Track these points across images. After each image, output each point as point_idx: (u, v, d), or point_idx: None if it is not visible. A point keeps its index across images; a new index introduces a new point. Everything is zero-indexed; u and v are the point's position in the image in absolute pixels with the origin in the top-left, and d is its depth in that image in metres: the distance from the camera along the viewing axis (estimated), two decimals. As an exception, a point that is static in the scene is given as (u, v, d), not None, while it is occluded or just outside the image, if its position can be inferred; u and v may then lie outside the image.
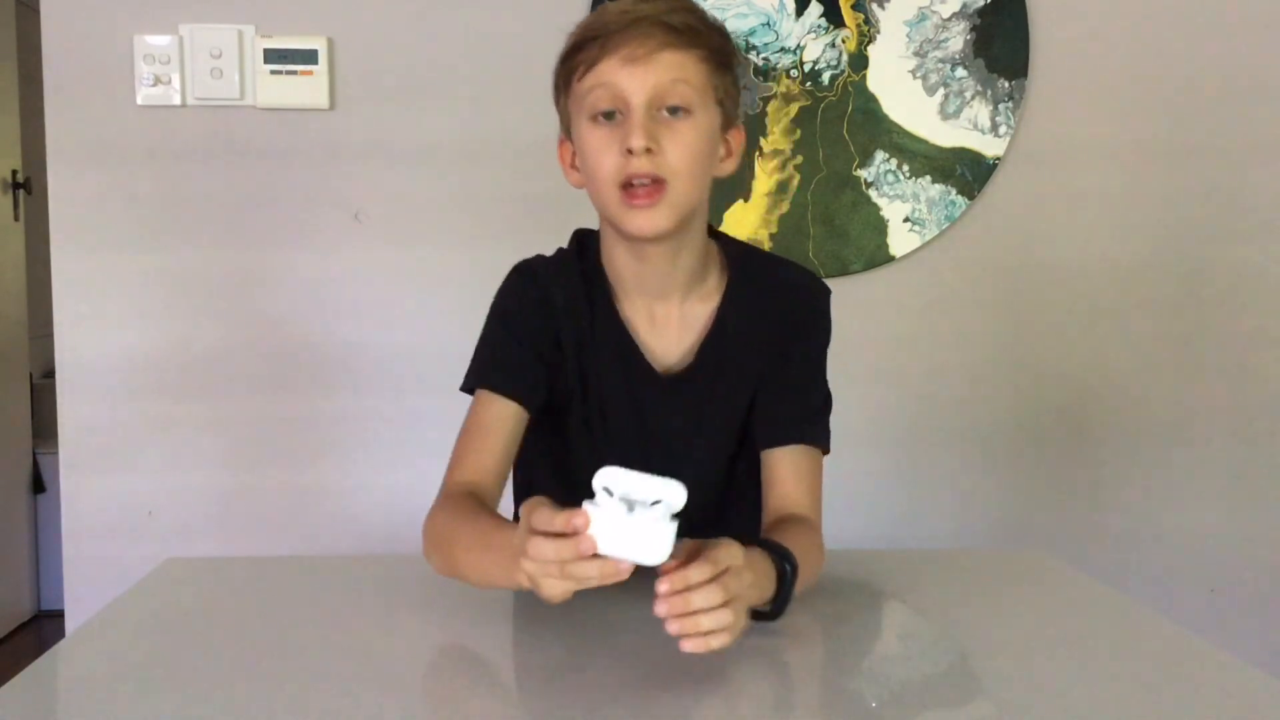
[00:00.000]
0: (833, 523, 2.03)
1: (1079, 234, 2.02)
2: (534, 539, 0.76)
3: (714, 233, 1.11)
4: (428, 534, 1.01)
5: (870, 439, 2.03)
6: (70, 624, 1.92)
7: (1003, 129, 1.97)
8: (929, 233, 1.98)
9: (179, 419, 1.93)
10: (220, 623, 0.97)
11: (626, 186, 0.96)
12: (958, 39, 1.96)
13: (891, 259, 1.99)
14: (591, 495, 0.75)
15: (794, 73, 1.95)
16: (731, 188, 1.95)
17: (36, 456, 3.14)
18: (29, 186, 3.14)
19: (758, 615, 0.91)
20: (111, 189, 1.89)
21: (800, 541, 0.96)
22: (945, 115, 1.97)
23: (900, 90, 1.96)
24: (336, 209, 1.93)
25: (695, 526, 0.92)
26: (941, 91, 1.96)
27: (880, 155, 1.97)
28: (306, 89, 1.89)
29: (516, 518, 1.09)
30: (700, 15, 0.98)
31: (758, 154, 1.96)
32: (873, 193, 1.97)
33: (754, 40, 1.94)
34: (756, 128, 1.95)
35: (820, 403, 1.12)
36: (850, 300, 1.99)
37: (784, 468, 1.07)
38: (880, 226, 1.98)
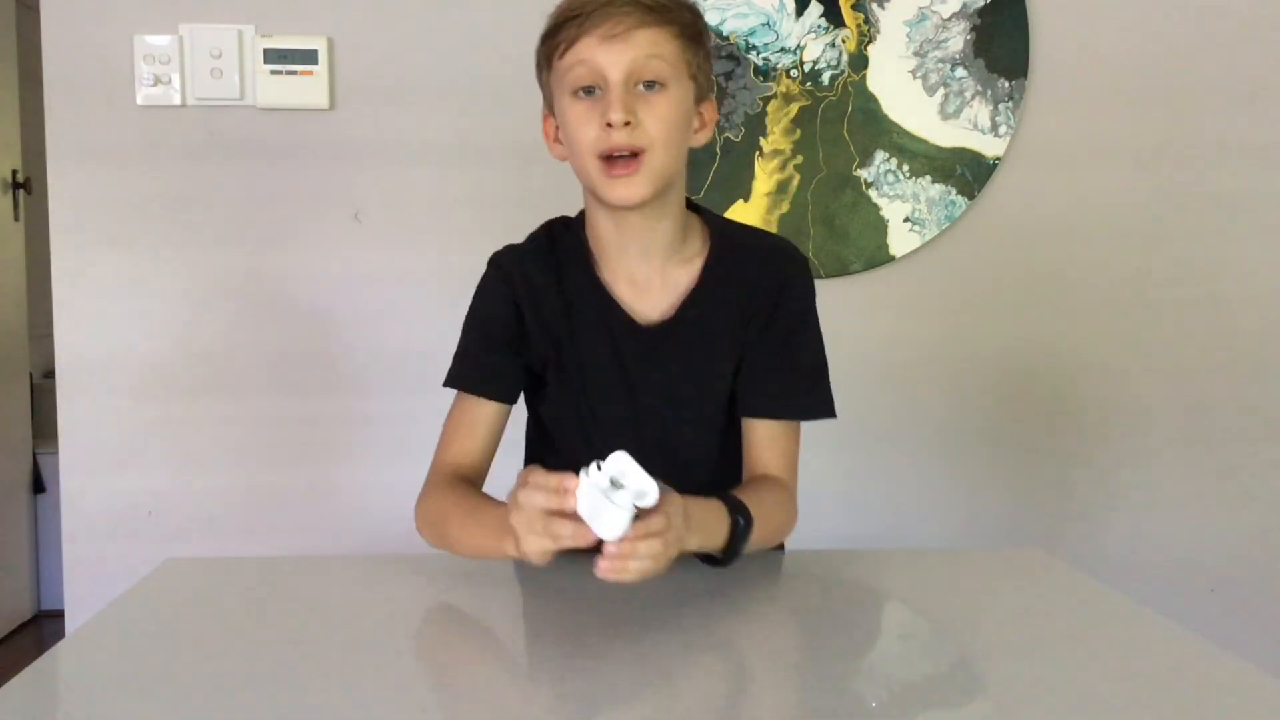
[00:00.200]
0: (833, 523, 2.04)
1: (1079, 234, 2.02)
2: (526, 488, 0.86)
3: (694, 205, 1.16)
4: (420, 512, 1.12)
5: (870, 438, 2.03)
6: (70, 624, 1.92)
7: (1003, 129, 1.97)
8: (929, 233, 1.98)
9: (179, 419, 1.93)
10: (220, 623, 0.97)
11: (607, 158, 1.02)
12: (958, 39, 1.96)
13: (891, 259, 1.99)
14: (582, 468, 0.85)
15: (794, 73, 1.95)
16: (731, 188, 1.95)
17: (36, 456, 3.14)
18: (29, 186, 3.14)
19: (708, 560, 1.02)
20: (111, 189, 1.89)
21: (765, 499, 1.05)
22: (945, 115, 1.97)
23: (900, 90, 1.96)
24: (336, 209, 1.93)
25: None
26: (941, 91, 1.96)
27: (880, 155, 1.97)
28: (306, 89, 1.89)
29: None
30: None
31: (758, 154, 1.96)
32: (873, 193, 1.97)
33: (754, 40, 1.94)
34: (756, 128, 1.95)
35: (810, 371, 1.15)
36: (850, 300, 2.00)
37: (760, 434, 1.13)
38: (880, 226, 1.98)
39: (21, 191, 3.14)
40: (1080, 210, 2.02)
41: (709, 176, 1.94)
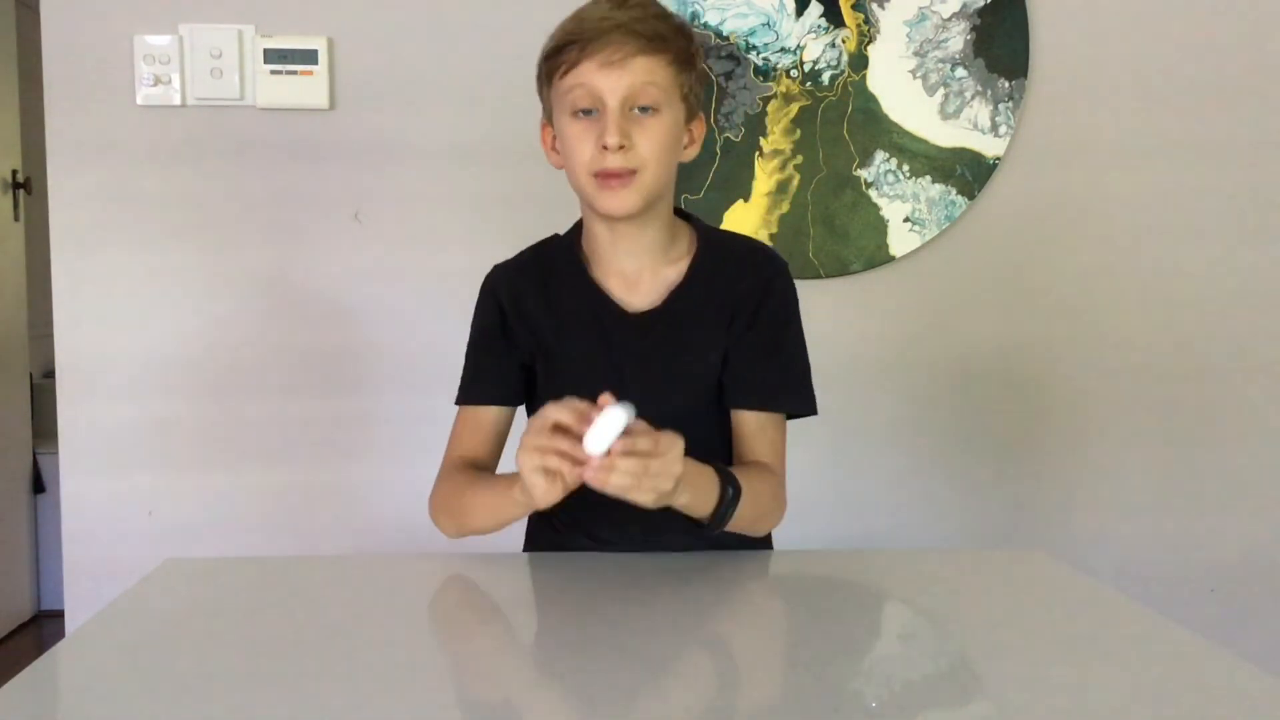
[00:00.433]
0: (833, 523, 2.04)
1: (1079, 234, 2.02)
2: (547, 407, 0.96)
3: (683, 213, 1.23)
4: (435, 499, 1.17)
5: (870, 439, 2.03)
6: (70, 624, 1.92)
7: (1003, 129, 1.97)
8: (929, 233, 1.98)
9: (179, 419, 1.93)
10: (220, 623, 0.97)
11: (601, 175, 1.09)
12: (958, 39, 1.96)
13: (891, 259, 1.99)
14: None
15: (794, 73, 1.95)
16: (731, 188, 1.95)
17: (36, 456, 3.14)
18: (29, 186, 3.14)
19: (695, 529, 1.07)
20: (111, 189, 1.89)
21: (754, 480, 1.10)
22: (945, 115, 1.97)
23: (900, 90, 1.96)
24: (336, 209, 1.93)
25: (662, 515, 1.06)
26: (941, 91, 1.96)
27: (880, 155, 1.97)
28: (306, 89, 1.89)
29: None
30: (668, 21, 1.10)
31: (758, 154, 1.96)
32: (873, 193, 1.97)
33: (754, 40, 1.94)
34: (756, 128, 1.95)
35: (794, 369, 1.20)
36: (850, 300, 2.00)
37: (749, 426, 1.17)
38: (880, 226, 1.98)
39: (21, 191, 3.14)
40: (1080, 210, 2.02)
41: (709, 176, 1.94)
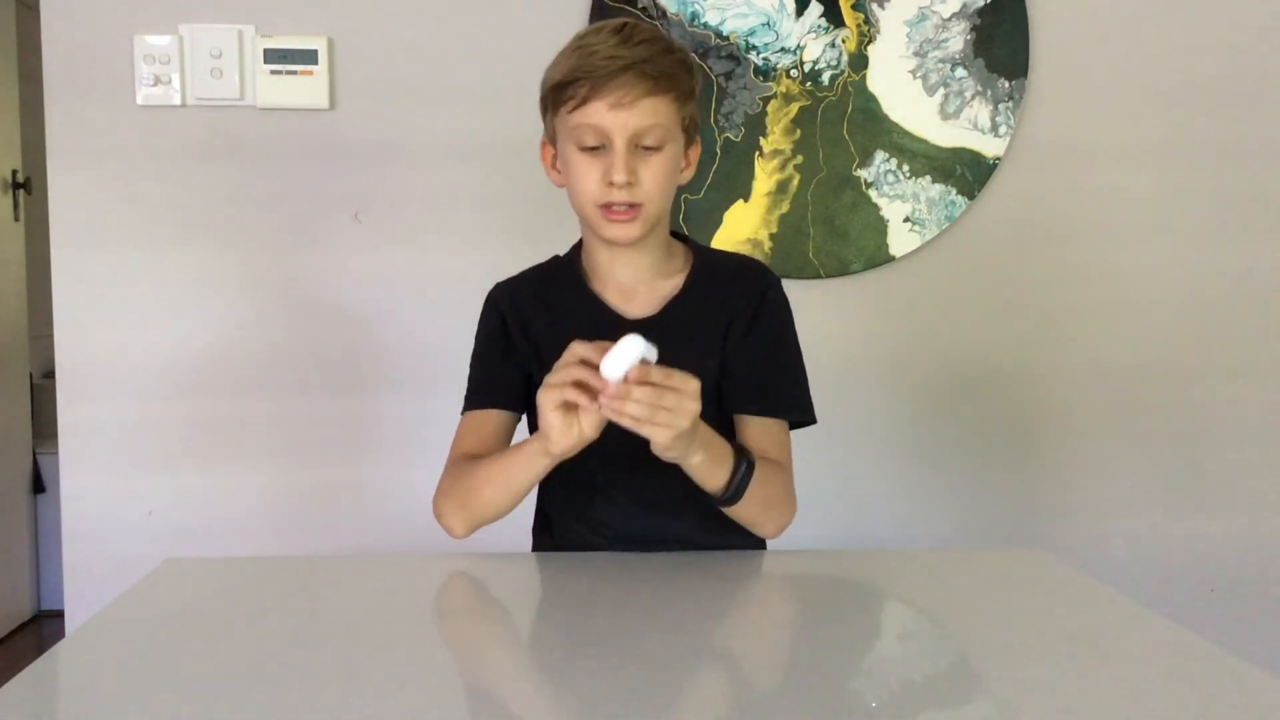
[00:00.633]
0: (833, 522, 2.04)
1: (1079, 234, 2.02)
2: (573, 345, 0.99)
3: (679, 235, 1.26)
4: (440, 492, 1.16)
5: (870, 439, 2.03)
6: (70, 624, 1.92)
7: (1003, 129, 1.97)
8: (929, 233, 1.98)
9: (179, 419, 1.93)
10: (220, 623, 0.97)
11: (605, 206, 1.13)
12: (958, 39, 1.96)
13: (891, 259, 1.99)
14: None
15: (794, 73, 1.95)
16: (731, 188, 1.95)
17: (36, 456, 3.14)
18: (29, 186, 3.14)
19: (717, 503, 1.09)
20: (111, 189, 1.89)
21: (765, 467, 1.11)
22: (945, 115, 1.97)
23: (900, 90, 1.96)
24: (336, 209, 1.93)
25: (675, 500, 1.12)
26: (941, 91, 1.96)
27: (880, 155, 1.97)
28: (306, 89, 1.89)
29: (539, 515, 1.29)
30: (674, 57, 1.13)
31: (758, 154, 1.96)
32: (873, 193, 1.97)
33: (754, 40, 1.94)
34: (756, 128, 1.95)
35: (793, 378, 1.22)
36: (850, 300, 2.00)
37: (754, 429, 1.19)
38: (880, 226, 1.98)
39: (21, 191, 3.14)
40: (1080, 210, 2.02)
41: (709, 176, 1.94)
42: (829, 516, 2.00)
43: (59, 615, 2.19)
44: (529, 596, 1.11)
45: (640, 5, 1.91)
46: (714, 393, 1.19)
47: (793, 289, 1.87)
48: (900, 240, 1.98)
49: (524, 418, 1.24)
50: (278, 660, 0.86)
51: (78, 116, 1.88)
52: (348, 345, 1.95)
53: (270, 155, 1.91)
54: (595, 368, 0.97)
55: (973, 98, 1.97)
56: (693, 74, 1.16)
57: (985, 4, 1.95)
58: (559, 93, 1.13)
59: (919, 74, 1.96)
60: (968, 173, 1.98)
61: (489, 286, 1.28)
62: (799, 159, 1.96)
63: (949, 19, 1.95)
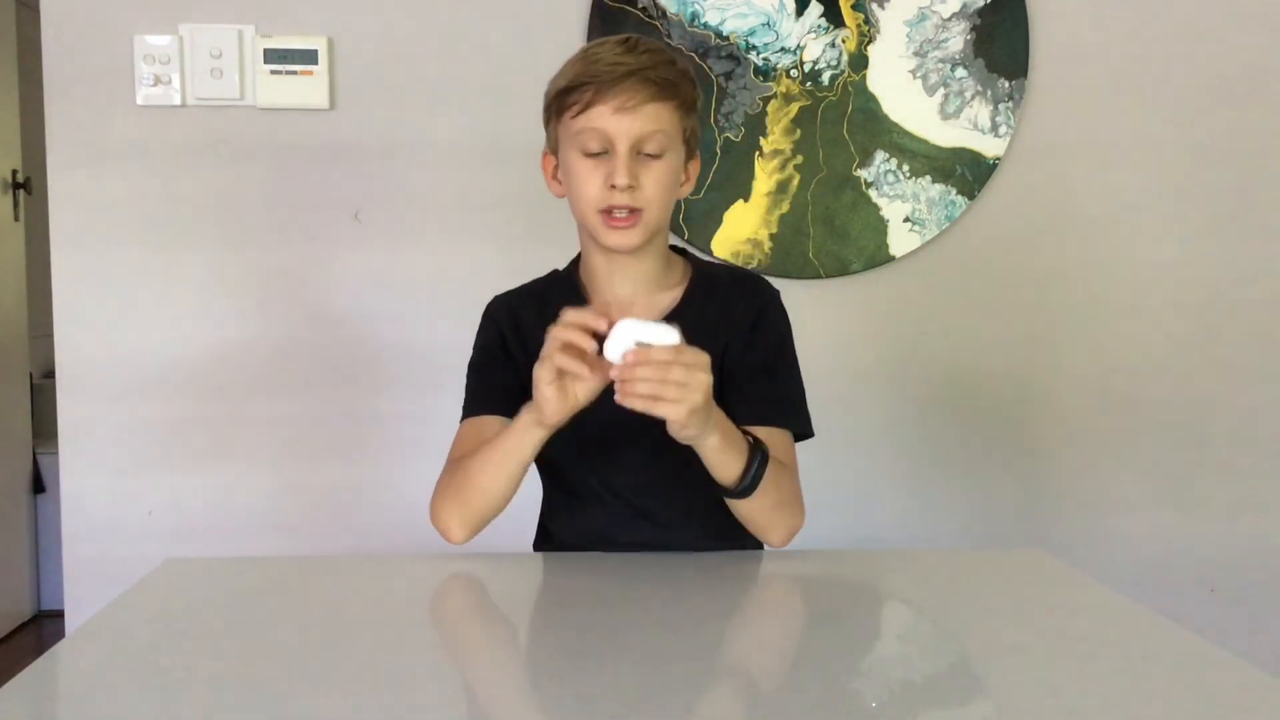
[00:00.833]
0: (833, 523, 2.04)
1: (1079, 234, 2.02)
2: (567, 311, 1.02)
3: (677, 248, 1.27)
4: (437, 493, 1.15)
5: (870, 438, 2.03)
6: (70, 624, 1.92)
7: (1003, 129, 1.97)
8: (929, 233, 1.98)
9: (179, 419, 1.93)
10: (220, 623, 0.97)
11: (606, 211, 1.13)
12: (958, 39, 1.96)
13: (891, 259, 1.99)
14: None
15: (794, 73, 1.95)
16: (732, 188, 1.95)
17: (36, 456, 3.14)
18: (29, 186, 3.14)
19: (726, 494, 1.08)
20: (111, 189, 1.89)
21: (775, 466, 1.11)
22: (945, 115, 1.97)
23: (900, 90, 1.96)
24: (336, 209, 1.93)
25: (677, 513, 1.14)
26: (941, 91, 1.96)
27: (880, 155, 1.97)
28: (306, 89, 1.89)
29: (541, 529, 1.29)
30: (676, 68, 1.15)
31: (758, 154, 1.96)
32: (873, 193, 1.97)
33: (754, 40, 1.94)
34: (756, 128, 1.95)
35: (793, 391, 1.22)
36: (850, 300, 2.00)
37: (759, 437, 1.16)
38: (880, 226, 1.98)
39: (21, 191, 3.14)
40: (1080, 210, 2.02)
41: (709, 176, 1.94)
42: (829, 516, 1.99)
43: (59, 615, 2.19)
44: (529, 596, 1.11)
45: (640, 5, 1.91)
46: (721, 401, 1.18)
47: (793, 289, 1.87)
48: (900, 240, 1.98)
49: None
50: (277, 660, 0.86)
51: (78, 116, 1.88)
52: (348, 345, 1.95)
53: (270, 155, 1.91)
54: (589, 336, 1.00)
55: (973, 98, 1.97)
56: (695, 87, 1.18)
57: (985, 4, 1.95)
58: (563, 98, 1.14)
59: (919, 74, 1.96)
60: (968, 173, 1.98)
61: (488, 287, 1.28)
62: (799, 159, 1.96)
63: (949, 19, 1.95)
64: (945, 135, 1.97)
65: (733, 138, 1.94)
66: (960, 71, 1.96)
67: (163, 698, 0.78)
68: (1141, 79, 2.00)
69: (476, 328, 1.26)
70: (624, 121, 1.11)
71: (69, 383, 1.91)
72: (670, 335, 0.98)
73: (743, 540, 1.18)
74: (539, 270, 1.29)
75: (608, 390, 1.13)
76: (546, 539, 1.29)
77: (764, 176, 1.96)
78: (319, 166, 1.92)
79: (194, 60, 1.87)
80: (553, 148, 1.20)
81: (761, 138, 1.95)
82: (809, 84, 1.95)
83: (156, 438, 1.93)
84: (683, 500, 1.19)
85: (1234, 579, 2.08)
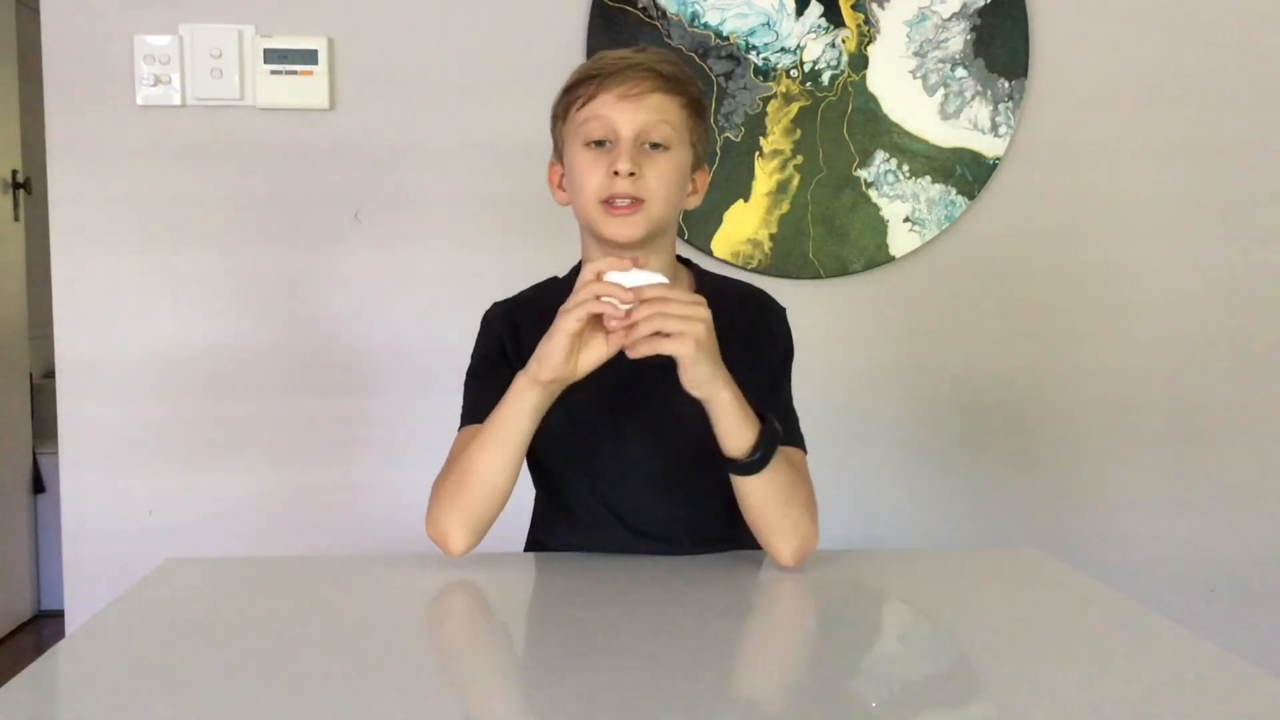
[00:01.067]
0: (832, 523, 2.03)
1: (1079, 234, 2.02)
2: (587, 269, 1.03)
3: (681, 259, 1.24)
4: (433, 499, 1.11)
5: (870, 439, 2.03)
6: (70, 624, 1.92)
7: (1003, 129, 1.97)
8: (929, 233, 1.98)
9: (179, 419, 1.93)
10: (220, 623, 0.97)
11: (608, 202, 1.11)
12: (958, 39, 1.96)
13: (891, 259, 1.99)
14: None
15: (794, 73, 1.95)
16: (732, 188, 1.95)
17: (36, 456, 3.14)
18: (29, 186, 3.14)
19: (737, 469, 1.07)
20: (111, 189, 1.89)
21: (789, 464, 1.11)
22: (945, 115, 1.97)
23: (900, 90, 1.96)
24: (336, 209, 1.93)
25: (673, 530, 1.14)
26: (941, 91, 1.96)
27: (880, 155, 1.97)
28: (306, 89, 1.89)
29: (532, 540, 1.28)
30: (684, 69, 1.15)
31: (758, 154, 1.96)
32: (873, 193, 1.97)
33: (754, 40, 1.94)
34: (756, 128, 1.95)
35: (791, 411, 1.20)
36: (850, 300, 2.00)
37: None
38: (880, 226, 1.98)
39: (21, 191, 3.14)
40: (1080, 210, 2.02)
41: (709, 177, 1.94)
42: (828, 516, 1.98)
43: (59, 615, 2.19)
44: (528, 597, 1.11)
45: (640, 5, 1.91)
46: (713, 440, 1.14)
47: (793, 289, 1.87)
48: (900, 240, 1.98)
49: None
50: (277, 660, 0.87)
51: (78, 116, 1.88)
52: (348, 345, 1.95)
53: (270, 155, 1.91)
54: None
55: (973, 98, 1.97)
56: (702, 92, 1.16)
57: (985, 4, 1.95)
58: (569, 94, 1.14)
59: (919, 74, 1.96)
60: (968, 173, 1.98)
61: (488, 287, 1.27)
62: (799, 159, 1.96)
63: (949, 19, 1.95)
64: (945, 135, 1.97)
65: (733, 138, 1.94)
66: (960, 71, 1.96)
67: (163, 698, 0.78)
68: (1141, 79, 2.00)
69: (476, 328, 1.24)
70: (628, 109, 1.10)
71: (69, 383, 1.91)
72: (657, 277, 1.01)
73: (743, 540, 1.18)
74: (538, 270, 1.29)
75: (605, 396, 1.13)
76: (540, 550, 1.28)
77: (764, 176, 1.96)
78: (319, 166, 1.92)
79: (194, 60, 1.87)
80: (559, 154, 1.18)
81: (761, 138, 1.95)
82: (809, 84, 1.95)
83: (156, 438, 1.93)
84: (680, 518, 1.18)
85: (1234, 579, 2.08)
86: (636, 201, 1.10)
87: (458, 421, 1.21)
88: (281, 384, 1.94)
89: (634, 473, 1.17)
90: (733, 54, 1.94)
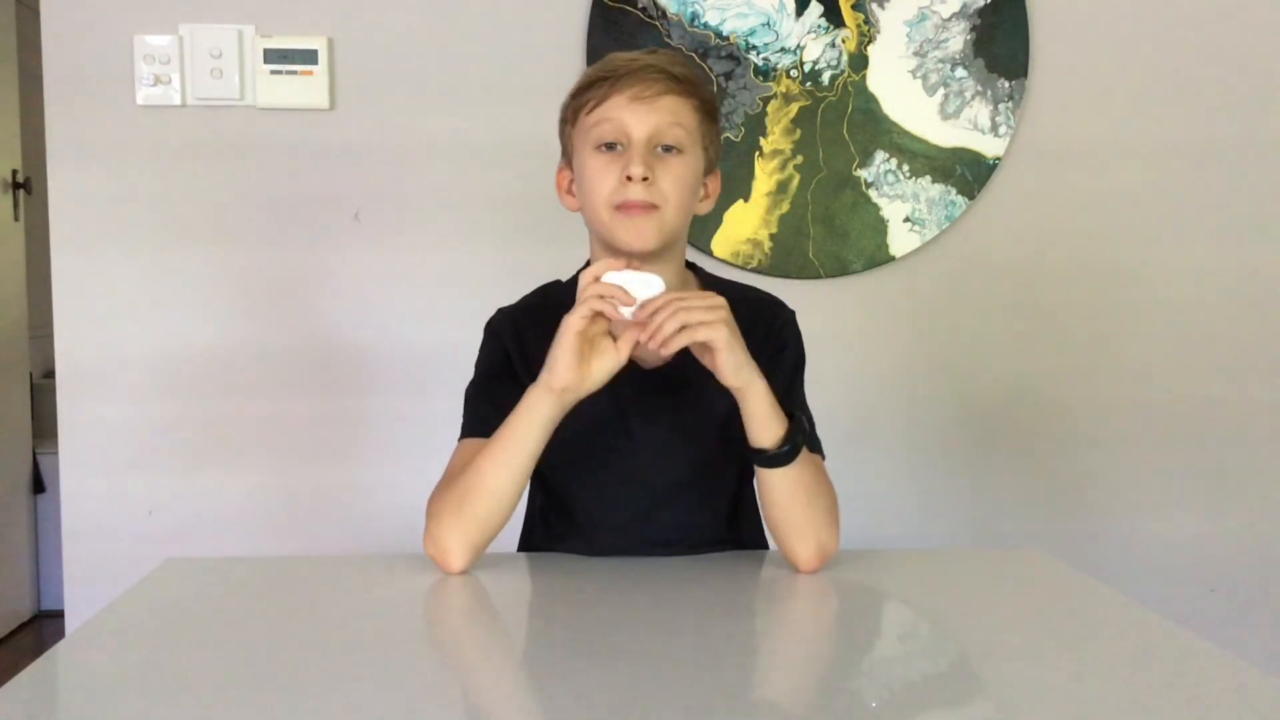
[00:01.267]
0: (833, 523, 2.00)
1: (1079, 234, 2.02)
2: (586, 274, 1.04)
3: (689, 264, 1.23)
4: (432, 513, 1.09)
5: (870, 439, 2.03)
6: (70, 624, 1.92)
7: (1003, 129, 1.97)
8: (929, 233, 1.98)
9: (179, 419, 1.93)
10: (220, 623, 0.97)
11: (620, 208, 1.09)
12: (958, 39, 1.96)
13: (891, 259, 1.99)
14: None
15: (794, 73, 1.95)
16: (732, 188, 1.95)
17: (36, 456, 3.14)
18: (29, 186, 3.14)
19: (765, 460, 1.06)
20: (111, 189, 1.89)
21: (813, 464, 1.10)
22: (945, 115, 1.97)
23: (900, 90, 1.96)
24: (336, 209, 1.93)
25: (681, 536, 1.13)
26: (941, 91, 1.96)
27: (880, 155, 1.97)
28: (306, 89, 1.89)
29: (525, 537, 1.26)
30: (697, 72, 1.14)
31: (758, 154, 1.96)
32: (873, 193, 1.97)
33: (754, 40, 1.94)
34: (756, 128, 1.95)
35: (808, 415, 1.18)
36: (850, 300, 2.00)
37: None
38: (880, 226, 1.98)
39: (21, 191, 3.14)
40: (1080, 210, 2.02)
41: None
42: (829, 516, 1.99)
43: (59, 615, 2.19)
44: (528, 597, 1.11)
45: (640, 5, 1.91)
46: (730, 428, 1.12)
47: (793, 289, 1.87)
48: (900, 240, 1.98)
49: None
50: (277, 660, 0.86)
51: (78, 116, 1.88)
52: (348, 345, 1.95)
53: (270, 155, 1.91)
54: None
55: (973, 98, 1.97)
56: (715, 96, 1.15)
57: (985, 4, 1.95)
58: (578, 97, 1.12)
59: (919, 74, 1.96)
60: (968, 173, 1.98)
61: (488, 287, 1.26)
62: (799, 159, 1.96)
63: (949, 19, 1.95)
64: (945, 135, 1.97)
65: (733, 138, 1.94)
66: (960, 71, 1.96)
67: (163, 698, 0.78)
68: (1141, 79, 2.00)
69: (476, 327, 1.23)
70: (640, 112, 1.08)
71: (69, 383, 1.91)
72: (653, 278, 1.02)
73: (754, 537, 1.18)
74: (538, 270, 1.28)
75: (615, 404, 1.12)
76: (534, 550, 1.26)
77: (764, 176, 1.96)
78: (319, 166, 1.92)
79: (194, 60, 1.87)
80: (567, 159, 1.17)
81: (761, 138, 1.95)
82: (809, 84, 1.95)
83: (156, 438, 1.93)
84: (688, 524, 1.18)
85: (1234, 579, 2.08)
86: (651, 206, 1.08)
87: (457, 420, 1.20)
88: (282, 384, 1.94)
89: (640, 481, 1.16)
90: (733, 54, 1.94)
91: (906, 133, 1.96)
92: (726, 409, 1.10)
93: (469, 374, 1.23)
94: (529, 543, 1.26)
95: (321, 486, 1.96)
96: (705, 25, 1.93)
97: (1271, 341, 2.06)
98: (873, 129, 1.96)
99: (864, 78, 1.96)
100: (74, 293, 1.90)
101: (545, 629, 1.00)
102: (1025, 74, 1.96)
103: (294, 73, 1.88)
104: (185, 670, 0.84)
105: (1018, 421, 2.05)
